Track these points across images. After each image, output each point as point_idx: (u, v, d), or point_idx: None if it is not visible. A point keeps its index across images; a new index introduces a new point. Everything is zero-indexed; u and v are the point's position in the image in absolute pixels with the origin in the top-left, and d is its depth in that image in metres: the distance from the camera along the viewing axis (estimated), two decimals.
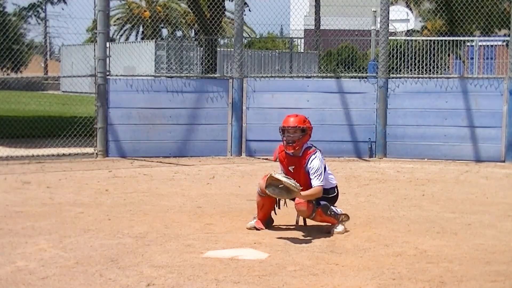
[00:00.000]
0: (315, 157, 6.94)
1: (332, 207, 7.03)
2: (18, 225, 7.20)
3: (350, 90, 13.64)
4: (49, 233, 6.84)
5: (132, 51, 29.08)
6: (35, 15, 24.80)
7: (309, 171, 6.90)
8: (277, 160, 7.20)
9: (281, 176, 6.65)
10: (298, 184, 6.70)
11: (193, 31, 34.69)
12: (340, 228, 7.03)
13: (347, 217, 7.13)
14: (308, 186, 6.87)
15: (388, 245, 6.61)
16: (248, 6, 19.42)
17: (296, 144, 6.94)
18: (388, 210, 8.44)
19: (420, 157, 13.42)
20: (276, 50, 30.85)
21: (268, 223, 7.25)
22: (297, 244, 6.58)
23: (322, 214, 6.91)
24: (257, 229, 7.11)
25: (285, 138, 7.00)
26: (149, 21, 39.29)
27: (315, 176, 6.87)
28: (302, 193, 6.72)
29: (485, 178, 11.26)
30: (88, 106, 18.50)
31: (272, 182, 6.63)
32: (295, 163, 7.00)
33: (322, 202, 6.94)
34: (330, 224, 7.07)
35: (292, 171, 6.99)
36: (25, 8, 23.14)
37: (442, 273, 5.68)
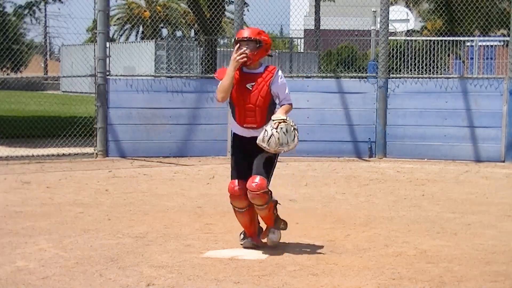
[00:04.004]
0: (282, 76, 6.40)
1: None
2: (18, 225, 7.20)
3: (350, 90, 13.63)
4: (49, 233, 6.84)
5: (132, 51, 29.05)
6: (30, 15, 24.81)
7: (279, 90, 6.34)
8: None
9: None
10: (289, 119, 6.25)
11: (193, 31, 34.67)
12: (275, 237, 6.43)
13: (285, 225, 6.52)
14: (265, 103, 6.31)
15: (388, 245, 6.60)
16: (248, 5, 19.39)
17: (250, 56, 6.30)
18: (388, 210, 8.44)
19: (420, 157, 13.42)
20: (276, 50, 30.81)
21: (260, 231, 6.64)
22: (297, 244, 6.58)
23: (271, 209, 6.31)
24: (258, 246, 6.44)
25: None
26: (149, 21, 39.28)
27: (288, 94, 6.38)
28: (282, 110, 6.27)
29: (485, 178, 11.26)
30: (88, 106, 18.50)
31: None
32: (255, 79, 6.35)
33: (274, 199, 6.35)
34: (266, 225, 6.45)
35: (251, 88, 6.30)
36: (22, 6, 23.16)
37: (442, 273, 5.68)
